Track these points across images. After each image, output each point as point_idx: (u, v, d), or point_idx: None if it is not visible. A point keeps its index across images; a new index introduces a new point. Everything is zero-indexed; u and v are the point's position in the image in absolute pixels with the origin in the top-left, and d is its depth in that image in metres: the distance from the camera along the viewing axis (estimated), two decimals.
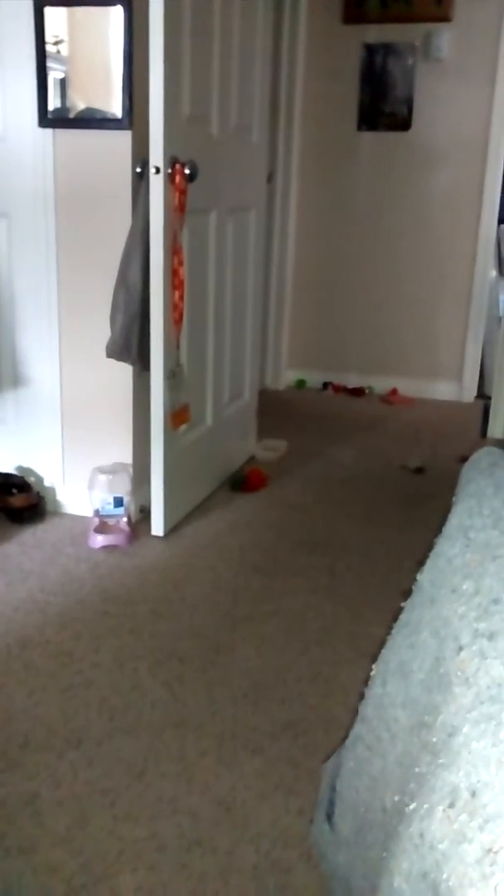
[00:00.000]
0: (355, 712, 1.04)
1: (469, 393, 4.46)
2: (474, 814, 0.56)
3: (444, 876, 0.54)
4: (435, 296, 4.39)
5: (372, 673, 0.95)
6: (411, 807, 0.64)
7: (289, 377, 4.68)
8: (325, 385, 4.59)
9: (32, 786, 1.53)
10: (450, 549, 0.87)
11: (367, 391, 4.51)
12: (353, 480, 3.19)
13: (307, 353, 4.64)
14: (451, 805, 0.58)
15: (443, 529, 0.94)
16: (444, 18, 4.00)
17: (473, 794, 0.57)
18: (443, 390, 4.49)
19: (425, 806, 0.61)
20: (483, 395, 4.43)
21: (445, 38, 4.03)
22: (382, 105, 4.19)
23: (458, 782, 0.59)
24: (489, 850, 0.52)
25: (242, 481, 3.02)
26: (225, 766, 1.60)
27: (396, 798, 0.79)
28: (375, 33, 4.12)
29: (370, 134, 4.27)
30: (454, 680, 0.68)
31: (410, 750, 0.77)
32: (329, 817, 1.05)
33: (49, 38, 2.37)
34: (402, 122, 4.19)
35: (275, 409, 4.07)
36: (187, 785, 1.54)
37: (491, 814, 0.55)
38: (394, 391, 4.48)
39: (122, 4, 2.29)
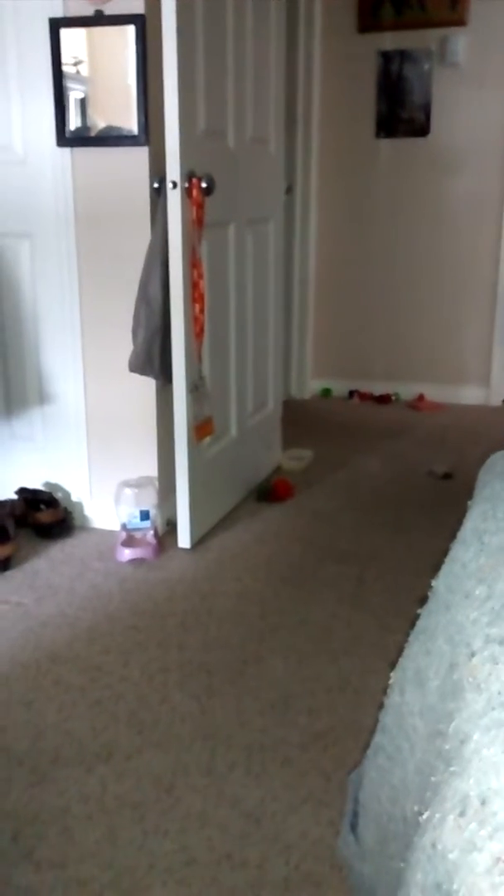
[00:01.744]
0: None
1: (497, 397, 4.42)
2: (484, 822, 0.55)
3: (455, 886, 0.53)
4: (459, 300, 4.37)
5: (391, 681, 0.95)
6: (425, 816, 0.63)
7: (314, 386, 4.68)
8: (351, 393, 4.57)
9: (62, 800, 1.53)
10: (464, 554, 0.86)
11: (393, 398, 4.49)
12: (381, 488, 3.17)
13: (332, 362, 4.63)
14: (462, 814, 0.57)
15: (458, 534, 0.93)
16: (460, 23, 3.99)
17: (483, 802, 0.57)
18: (470, 395, 4.45)
19: (437, 815, 0.60)
20: None
21: (461, 43, 4.01)
22: (400, 112, 4.19)
23: (469, 790, 0.58)
24: (498, 859, 0.52)
25: (269, 491, 3.01)
26: (254, 778, 1.59)
27: (416, 808, 0.78)
28: (391, 40, 4.13)
29: (388, 141, 4.26)
30: (466, 686, 0.68)
31: (428, 759, 0.77)
32: (353, 828, 1.04)
33: (68, 58, 2.41)
34: (420, 128, 4.18)
35: (300, 419, 4.06)
36: (216, 798, 1.54)
37: (501, 822, 0.54)
38: (420, 397, 4.45)
39: (134, 23, 2.32)
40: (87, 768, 1.62)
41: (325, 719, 1.77)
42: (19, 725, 1.75)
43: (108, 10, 2.34)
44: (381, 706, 1.83)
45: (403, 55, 4.11)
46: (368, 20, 4.12)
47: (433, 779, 0.70)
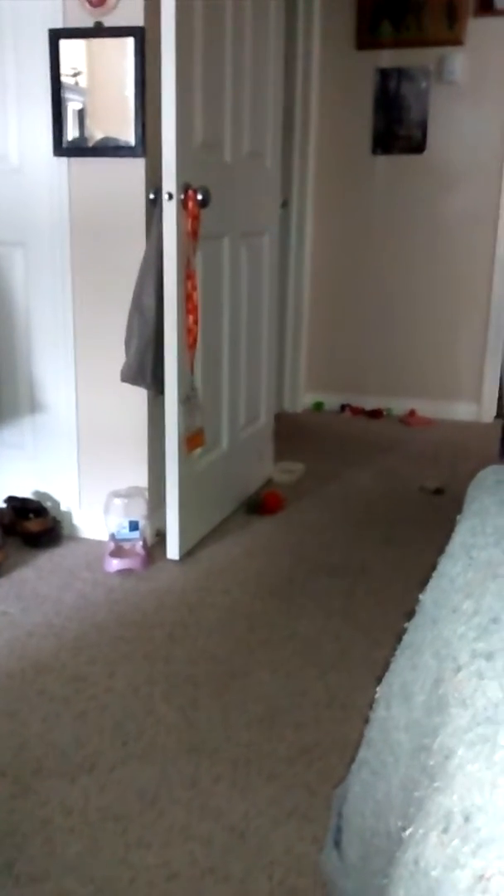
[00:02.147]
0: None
1: (488, 413, 4.44)
2: (467, 839, 0.55)
3: None
4: (452, 317, 4.39)
5: (377, 695, 0.94)
6: (408, 831, 0.63)
7: (306, 400, 4.68)
8: (343, 407, 4.58)
9: (45, 812, 1.52)
10: (452, 569, 0.86)
11: (384, 413, 4.50)
12: (372, 502, 3.17)
13: (325, 376, 4.64)
14: (445, 830, 0.57)
15: (446, 548, 0.93)
16: (457, 42, 4.03)
17: (467, 818, 0.56)
18: (461, 411, 4.46)
19: (420, 831, 0.60)
20: (502, 416, 4.40)
21: (458, 62, 4.05)
22: (397, 128, 4.22)
23: (452, 806, 0.58)
24: (481, 877, 0.51)
25: (259, 504, 3.01)
26: (239, 792, 1.58)
27: (399, 823, 0.78)
28: (389, 58, 4.16)
29: (385, 157, 4.29)
30: (451, 701, 0.67)
31: (412, 774, 0.76)
32: (337, 843, 1.03)
33: (67, 69, 2.42)
34: (416, 145, 4.21)
35: (292, 432, 4.06)
36: (200, 811, 1.53)
37: (484, 839, 0.54)
38: (412, 413, 4.46)
39: (133, 35, 2.33)
40: (71, 779, 1.60)
41: (311, 734, 1.76)
42: (2, 735, 1.73)
43: (108, 21, 2.36)
44: (367, 721, 1.82)
45: (401, 73, 4.14)
46: (367, 37, 4.15)
47: (417, 794, 0.70)
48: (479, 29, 4.02)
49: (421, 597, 0.90)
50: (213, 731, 1.76)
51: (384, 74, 4.17)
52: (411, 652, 0.86)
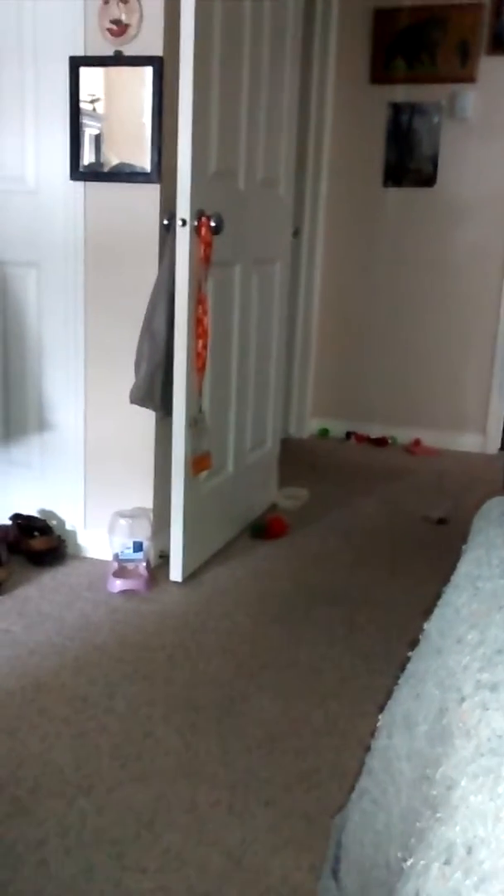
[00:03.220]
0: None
1: (493, 445, 4.45)
2: (469, 871, 0.55)
3: None
4: (460, 348, 4.41)
5: (378, 724, 0.94)
6: (409, 863, 0.63)
7: (312, 426, 4.70)
8: (349, 434, 4.59)
9: (40, 832, 1.51)
10: (457, 599, 0.87)
11: (390, 441, 4.51)
12: (375, 531, 3.18)
13: (331, 403, 4.66)
14: (447, 862, 0.57)
15: (451, 578, 0.93)
16: (469, 79, 4.09)
17: (469, 850, 0.56)
18: (466, 442, 4.47)
19: (422, 862, 0.60)
20: None
21: (470, 99, 4.10)
22: (408, 162, 4.27)
23: (455, 838, 0.58)
24: None
25: (263, 529, 3.01)
26: (236, 817, 1.58)
27: (400, 854, 0.78)
28: (402, 93, 4.22)
29: (396, 190, 4.34)
30: (455, 732, 0.68)
31: (413, 804, 0.76)
32: (335, 873, 1.03)
33: (85, 96, 2.46)
34: (427, 179, 4.26)
35: (298, 458, 4.08)
36: (197, 836, 1.52)
37: (486, 872, 0.54)
38: (417, 442, 4.47)
39: (152, 65, 2.37)
40: (68, 800, 1.60)
41: (310, 761, 1.76)
42: (0, 753, 1.73)
43: (128, 51, 2.40)
44: (367, 749, 1.82)
45: (414, 108, 4.19)
46: (381, 72, 4.22)
47: (418, 825, 0.70)
48: (490, 67, 4.08)
49: (425, 626, 0.91)
50: (212, 755, 1.76)
51: (397, 109, 4.23)
52: (415, 681, 0.87)
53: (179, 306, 2.38)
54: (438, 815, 0.63)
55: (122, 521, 2.55)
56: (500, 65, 4.07)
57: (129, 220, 2.51)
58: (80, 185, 2.52)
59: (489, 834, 0.57)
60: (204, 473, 2.61)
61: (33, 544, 2.64)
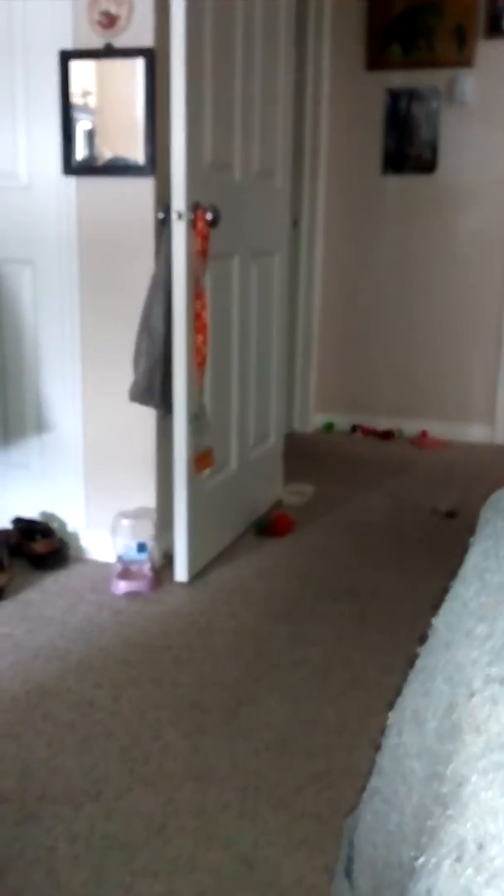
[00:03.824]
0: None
1: (501, 435, 4.40)
2: (480, 868, 0.52)
3: None
4: (465, 338, 4.36)
5: (388, 722, 0.91)
6: (420, 861, 0.60)
7: (317, 420, 4.66)
8: (354, 428, 4.55)
9: (49, 839, 1.48)
10: (465, 592, 0.83)
11: (396, 434, 4.47)
12: (383, 525, 3.14)
13: (335, 396, 4.62)
14: (459, 859, 0.54)
15: (459, 571, 0.90)
16: (467, 64, 4.04)
17: (480, 846, 0.54)
18: (474, 433, 4.43)
19: (433, 860, 0.57)
20: None
21: (469, 83, 4.06)
22: (407, 148, 4.22)
23: (466, 835, 0.55)
24: None
25: (268, 526, 2.98)
26: (247, 820, 1.54)
27: (412, 853, 0.74)
28: (399, 79, 4.17)
29: (395, 177, 4.29)
30: (465, 727, 0.64)
31: (425, 802, 0.73)
32: (348, 874, 1.00)
33: (77, 90, 2.43)
34: (427, 165, 4.21)
35: (302, 453, 4.04)
36: (208, 840, 1.49)
37: (498, 868, 0.51)
38: (424, 434, 4.43)
39: (143, 56, 2.34)
40: (76, 806, 1.57)
41: (321, 761, 1.72)
42: (6, 760, 1.70)
43: (118, 43, 2.37)
44: (378, 748, 1.78)
45: (412, 94, 4.15)
46: (377, 58, 4.17)
47: (429, 823, 0.67)
48: (488, 51, 4.04)
49: (433, 621, 0.87)
50: (221, 757, 1.73)
51: (395, 95, 4.19)
52: (423, 677, 0.83)
53: (177, 301, 2.35)
54: (449, 812, 0.60)
55: (125, 522, 2.52)
56: (497, 48, 4.03)
57: (123, 215, 2.47)
58: (73, 180, 2.49)
59: (500, 830, 0.54)
60: (207, 471, 2.58)
61: (35, 547, 2.61)
